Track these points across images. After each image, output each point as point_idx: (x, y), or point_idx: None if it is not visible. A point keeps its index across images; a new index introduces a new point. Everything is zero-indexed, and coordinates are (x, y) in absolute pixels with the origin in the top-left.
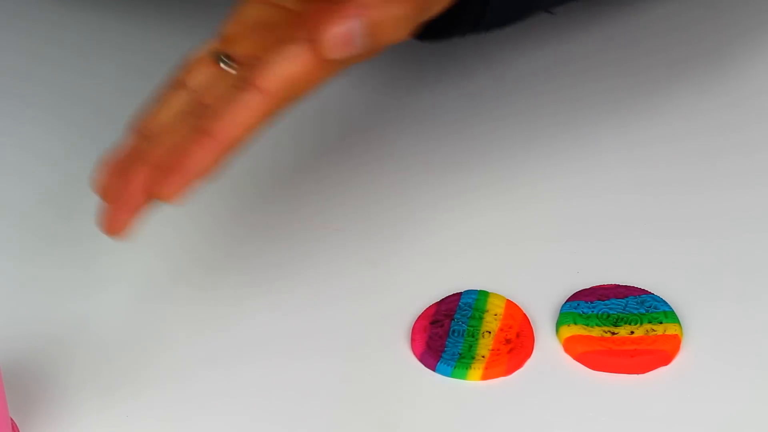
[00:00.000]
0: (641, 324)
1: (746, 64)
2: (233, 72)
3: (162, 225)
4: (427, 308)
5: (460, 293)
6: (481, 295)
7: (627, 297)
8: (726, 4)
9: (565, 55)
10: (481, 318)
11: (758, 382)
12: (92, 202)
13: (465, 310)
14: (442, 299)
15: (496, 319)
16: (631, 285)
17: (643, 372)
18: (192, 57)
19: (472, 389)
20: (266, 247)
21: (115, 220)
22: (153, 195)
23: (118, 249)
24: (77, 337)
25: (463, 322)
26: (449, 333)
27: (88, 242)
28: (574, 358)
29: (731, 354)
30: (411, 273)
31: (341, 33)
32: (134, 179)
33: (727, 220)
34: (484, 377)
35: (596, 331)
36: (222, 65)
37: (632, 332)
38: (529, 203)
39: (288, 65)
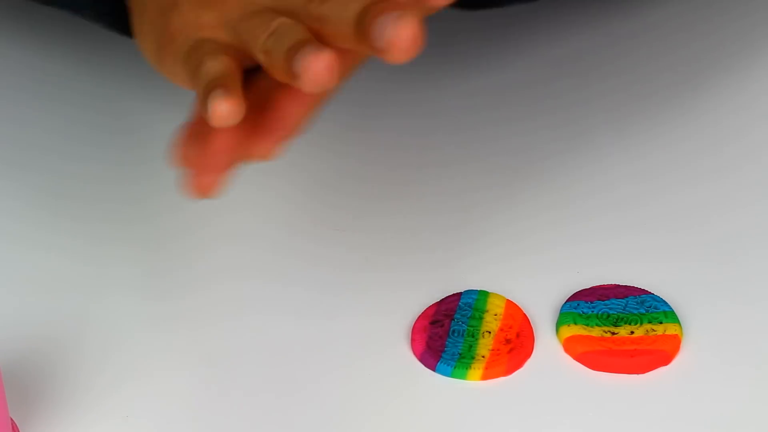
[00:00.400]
0: (641, 324)
1: (747, 65)
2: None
3: (162, 225)
4: (427, 308)
5: (460, 293)
6: (481, 295)
7: (627, 297)
8: (726, 6)
9: (565, 57)
10: (481, 318)
11: (758, 382)
12: (92, 201)
13: (465, 310)
14: (442, 299)
15: (496, 319)
16: (631, 285)
17: (643, 372)
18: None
19: (472, 389)
20: (266, 247)
21: (202, 182)
22: (243, 154)
23: (118, 249)
24: (77, 337)
25: (463, 322)
26: (449, 333)
27: (88, 242)
28: (574, 358)
29: (731, 354)
30: (411, 273)
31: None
32: (218, 140)
33: (728, 221)
34: (484, 377)
35: (596, 331)
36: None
37: (632, 332)
38: (529, 203)
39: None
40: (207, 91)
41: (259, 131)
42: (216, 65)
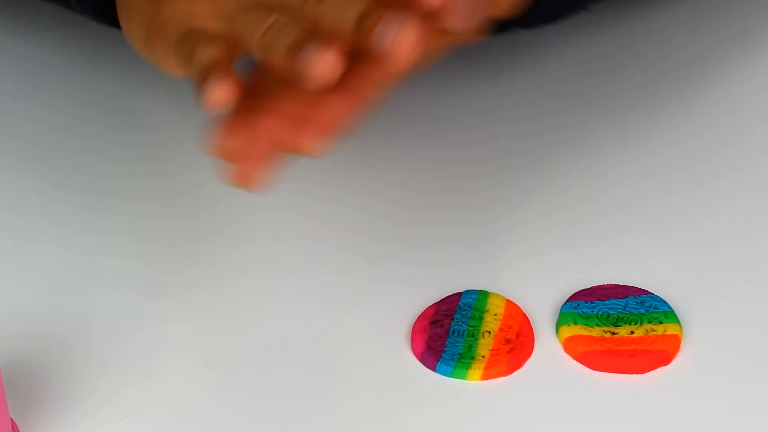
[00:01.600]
0: (641, 324)
1: (746, 66)
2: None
3: (162, 225)
4: (427, 308)
5: (460, 293)
6: (481, 295)
7: (627, 297)
8: (726, 7)
9: (566, 58)
10: (481, 318)
11: (758, 382)
12: (93, 202)
13: (465, 310)
14: (442, 299)
15: (496, 319)
16: (631, 285)
17: (643, 372)
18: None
19: (472, 389)
20: (266, 248)
21: (247, 174)
22: (288, 147)
23: (117, 249)
24: (77, 337)
25: (463, 322)
26: (449, 333)
27: (88, 242)
28: (574, 358)
29: (731, 354)
30: (411, 273)
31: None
32: (263, 131)
33: (728, 221)
34: (484, 377)
35: (596, 331)
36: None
37: (632, 332)
38: (529, 203)
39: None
40: (201, 77)
41: (304, 125)
42: (209, 52)
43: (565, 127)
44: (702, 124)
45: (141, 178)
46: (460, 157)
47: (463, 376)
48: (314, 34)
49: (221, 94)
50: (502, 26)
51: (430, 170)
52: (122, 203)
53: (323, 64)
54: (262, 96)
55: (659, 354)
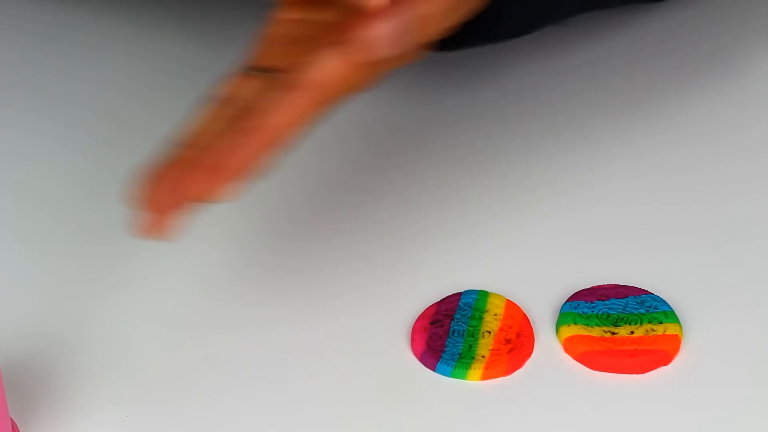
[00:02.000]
0: (641, 324)
1: (745, 67)
2: (274, 77)
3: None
4: (427, 308)
5: (460, 293)
6: (481, 295)
7: (627, 297)
8: (726, 9)
9: (567, 60)
10: (481, 318)
11: (758, 382)
12: (92, 201)
13: (465, 310)
14: (442, 299)
15: (496, 319)
16: (631, 285)
17: (643, 372)
18: (228, 76)
19: (472, 389)
20: (266, 248)
21: (158, 224)
22: (201, 196)
23: (117, 249)
24: (77, 337)
25: (463, 322)
26: (449, 333)
27: (88, 242)
28: (574, 358)
29: (731, 354)
30: (411, 273)
31: (388, 29)
32: (180, 185)
33: (728, 221)
34: (484, 377)
35: (596, 331)
36: (260, 75)
37: (632, 332)
38: (530, 203)
39: (330, 64)
40: None
41: (210, 171)
42: None
43: (565, 127)
44: (703, 124)
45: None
46: (460, 157)
47: (463, 376)
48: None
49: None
50: (461, 41)
51: (430, 170)
52: (121, 206)
53: None
54: (194, 149)
55: (659, 354)
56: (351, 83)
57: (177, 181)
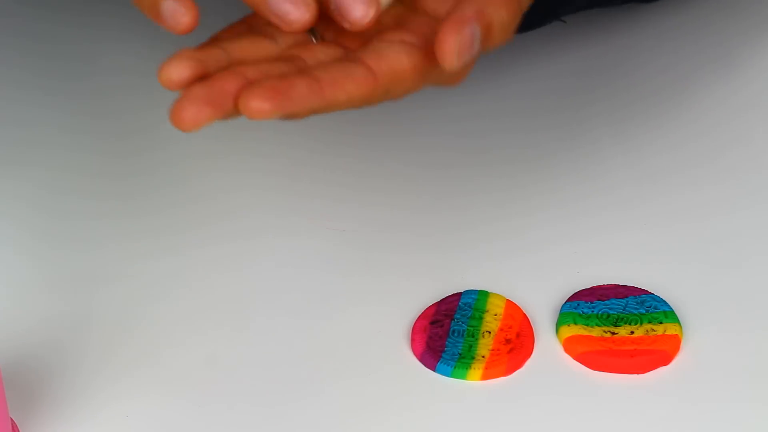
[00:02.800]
0: (641, 324)
1: (746, 68)
2: (332, 49)
3: (162, 224)
4: (427, 308)
5: (460, 293)
6: (481, 295)
7: (627, 297)
8: (725, 10)
9: (567, 60)
10: (481, 318)
11: (758, 382)
12: (92, 201)
13: (465, 310)
14: (442, 299)
15: (496, 319)
16: (631, 285)
17: (643, 372)
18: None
19: (472, 389)
20: (266, 247)
21: (196, 115)
22: (241, 104)
23: (117, 249)
24: (77, 337)
25: (463, 322)
26: (449, 333)
27: (87, 241)
28: (574, 358)
29: (731, 354)
30: (411, 273)
31: (464, 38)
32: (224, 84)
33: (728, 221)
34: (484, 377)
35: (596, 331)
36: (315, 39)
37: (632, 332)
38: (530, 203)
39: (400, 58)
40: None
41: (267, 90)
42: None
43: (565, 127)
44: (703, 124)
45: (140, 177)
46: (460, 157)
47: (463, 376)
48: None
49: (180, 14)
50: None
51: (430, 170)
52: (122, 203)
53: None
54: (236, 62)
55: (659, 354)
56: (412, 82)
57: (219, 78)
